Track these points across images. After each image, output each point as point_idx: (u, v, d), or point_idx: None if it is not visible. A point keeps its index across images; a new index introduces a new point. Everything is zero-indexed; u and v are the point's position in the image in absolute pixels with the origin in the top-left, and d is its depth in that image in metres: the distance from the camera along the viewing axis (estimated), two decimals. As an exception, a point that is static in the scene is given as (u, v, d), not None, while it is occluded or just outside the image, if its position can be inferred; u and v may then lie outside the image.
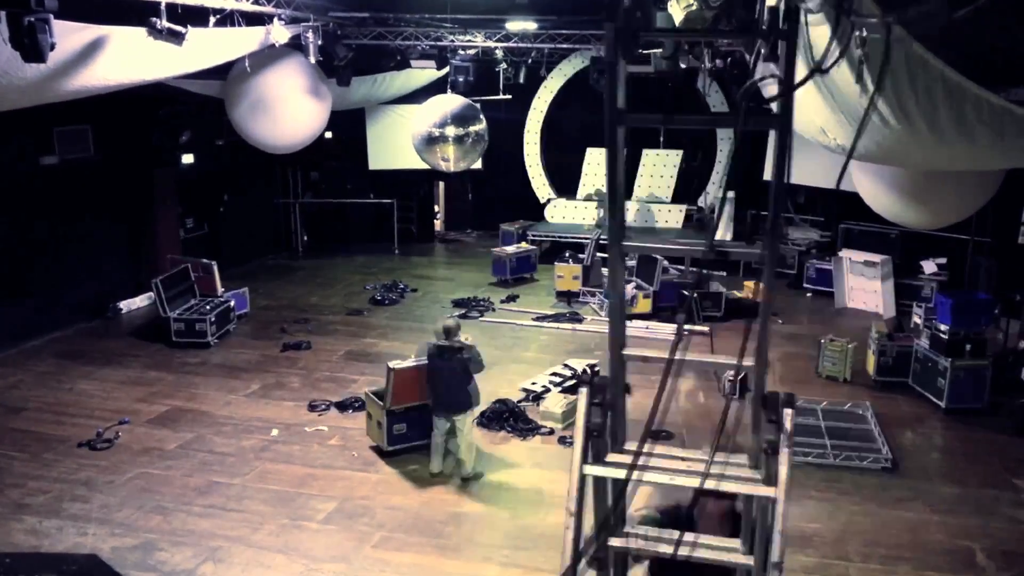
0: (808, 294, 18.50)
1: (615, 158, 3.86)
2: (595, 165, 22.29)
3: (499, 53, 18.38)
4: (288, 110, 15.44)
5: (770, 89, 4.35)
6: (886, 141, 7.14)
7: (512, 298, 18.27)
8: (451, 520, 9.36)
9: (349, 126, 21.94)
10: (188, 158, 18.87)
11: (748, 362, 4.03)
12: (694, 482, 4.20)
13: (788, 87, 3.37)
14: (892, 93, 6.20)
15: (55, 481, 10.11)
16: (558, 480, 10.26)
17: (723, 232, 19.52)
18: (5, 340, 14.69)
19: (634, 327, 15.97)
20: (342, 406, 12.43)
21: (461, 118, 17.88)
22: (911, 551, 8.75)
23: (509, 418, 11.84)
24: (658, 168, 22.01)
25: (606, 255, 4.58)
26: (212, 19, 12.06)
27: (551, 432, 11.53)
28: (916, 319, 14.74)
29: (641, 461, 4.14)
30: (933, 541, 8.99)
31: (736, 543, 4.61)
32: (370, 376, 13.06)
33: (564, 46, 16.92)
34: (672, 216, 21.36)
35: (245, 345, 15.32)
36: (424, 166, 19.69)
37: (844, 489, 10.03)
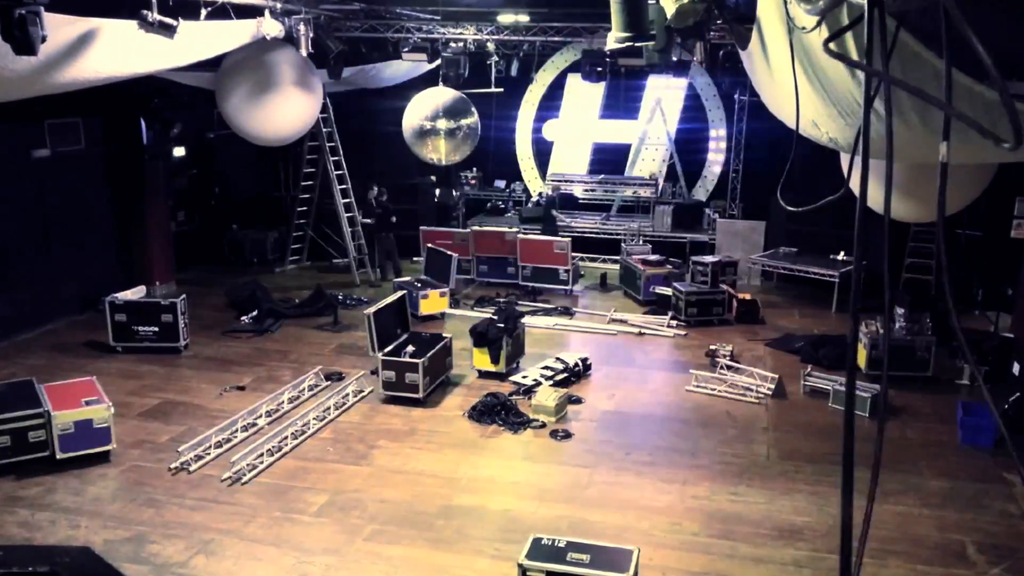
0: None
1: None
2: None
3: (490, 46, 18.36)
4: (280, 103, 15.38)
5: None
6: (877, 135, 7.15)
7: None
8: (442, 513, 9.37)
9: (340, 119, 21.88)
10: (179, 151, 18.87)
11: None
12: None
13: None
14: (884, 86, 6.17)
15: (47, 474, 10.10)
16: (549, 473, 10.32)
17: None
18: (-3, 333, 14.69)
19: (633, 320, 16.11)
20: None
21: (452, 111, 17.85)
22: (902, 545, 8.78)
23: (500, 411, 11.85)
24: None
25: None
26: (203, 12, 12.02)
27: (543, 426, 11.55)
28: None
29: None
30: (924, 535, 9.03)
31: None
32: (361, 368, 13.07)
33: (556, 39, 16.88)
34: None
35: (236, 338, 15.32)
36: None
37: (834, 482, 10.05)
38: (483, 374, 13.30)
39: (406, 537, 8.87)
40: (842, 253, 17.27)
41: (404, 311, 13.73)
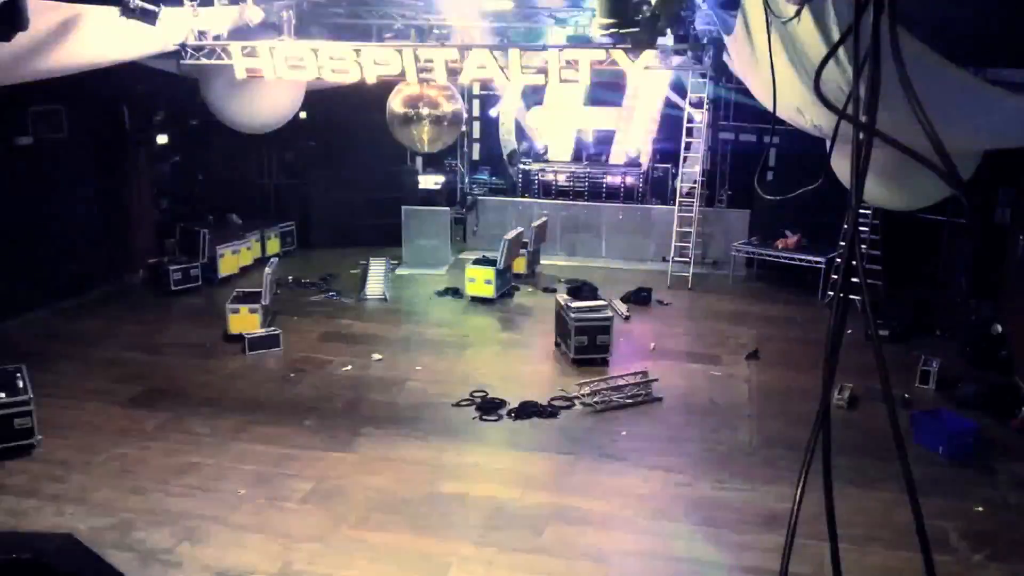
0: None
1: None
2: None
3: (475, 32, 18.26)
4: (263, 90, 15.33)
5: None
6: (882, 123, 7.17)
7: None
8: (427, 500, 9.38)
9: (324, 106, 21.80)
10: (162, 138, 18.78)
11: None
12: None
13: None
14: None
15: (33, 461, 10.08)
16: (533, 460, 10.35)
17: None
18: (-20, 321, 14.59)
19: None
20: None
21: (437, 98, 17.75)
22: (884, 531, 8.79)
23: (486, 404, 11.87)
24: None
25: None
26: (186, -2, 11.98)
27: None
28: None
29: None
30: (906, 522, 8.98)
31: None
32: (347, 356, 13.05)
33: (540, 25, 16.82)
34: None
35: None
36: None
37: (817, 468, 10.03)
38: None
39: (391, 524, 8.89)
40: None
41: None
